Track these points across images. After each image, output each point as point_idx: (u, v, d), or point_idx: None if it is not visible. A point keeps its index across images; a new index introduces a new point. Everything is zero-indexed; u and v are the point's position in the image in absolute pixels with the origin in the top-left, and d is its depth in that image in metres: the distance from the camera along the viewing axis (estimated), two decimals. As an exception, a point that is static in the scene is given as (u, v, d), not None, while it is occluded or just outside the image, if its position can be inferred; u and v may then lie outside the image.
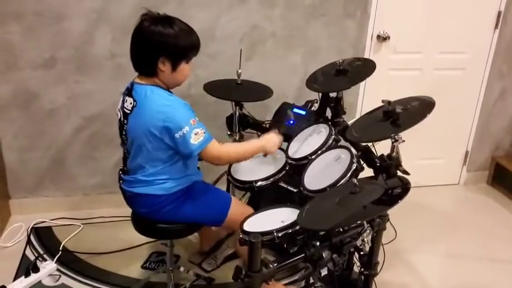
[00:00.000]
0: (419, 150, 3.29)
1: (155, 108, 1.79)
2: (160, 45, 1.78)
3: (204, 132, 1.83)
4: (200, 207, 2.00)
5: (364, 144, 2.05)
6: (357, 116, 3.08)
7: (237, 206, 2.07)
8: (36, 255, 2.53)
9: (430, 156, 3.47)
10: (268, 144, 2.06)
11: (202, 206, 2.01)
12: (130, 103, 1.85)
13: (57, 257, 2.50)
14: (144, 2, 2.52)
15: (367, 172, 1.92)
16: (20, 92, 2.66)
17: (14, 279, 2.31)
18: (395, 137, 1.75)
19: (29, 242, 2.63)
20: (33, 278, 2.29)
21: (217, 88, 2.53)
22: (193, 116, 1.83)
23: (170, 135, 1.80)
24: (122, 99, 1.92)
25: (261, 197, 2.35)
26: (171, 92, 1.93)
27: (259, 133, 2.65)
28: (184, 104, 1.84)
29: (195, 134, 1.79)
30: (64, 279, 2.37)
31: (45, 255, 2.53)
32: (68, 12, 2.58)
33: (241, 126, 2.55)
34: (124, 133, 1.91)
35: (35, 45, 2.59)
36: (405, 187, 1.68)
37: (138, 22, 1.82)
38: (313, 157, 2.02)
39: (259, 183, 2.05)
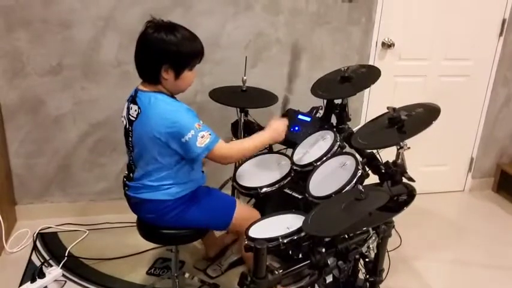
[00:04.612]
0: (424, 157, 3.29)
1: (160, 115, 1.81)
2: (163, 53, 1.80)
3: (210, 134, 1.85)
4: (205, 211, 2.01)
5: (369, 150, 2.05)
6: (362, 123, 3.09)
7: (242, 210, 2.08)
8: (42, 260, 2.54)
9: (435, 163, 3.47)
10: (277, 133, 2.07)
11: (208, 210, 2.02)
12: (135, 110, 1.87)
13: (62, 262, 2.51)
14: (150, 9, 2.54)
15: (373, 179, 1.92)
16: (27, 98, 2.69)
17: (20, 285, 2.32)
18: (401, 143, 1.75)
19: (34, 248, 2.64)
20: (39, 283, 2.30)
21: (222, 95, 2.54)
22: (198, 119, 1.85)
23: (176, 141, 1.81)
24: (126, 106, 1.94)
25: (266, 203, 2.35)
26: (175, 98, 1.94)
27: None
28: (188, 109, 1.86)
29: (201, 137, 1.82)
30: (69, 285, 2.38)
31: (50, 261, 2.54)
32: (75, 20, 2.61)
33: (246, 132, 2.55)
34: (130, 140, 1.93)
35: (42, 52, 2.62)
36: (410, 194, 1.68)
37: (142, 29, 1.84)
38: (318, 163, 2.02)
39: (264, 190, 2.05)
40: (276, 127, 2.08)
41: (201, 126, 1.83)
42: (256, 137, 2.06)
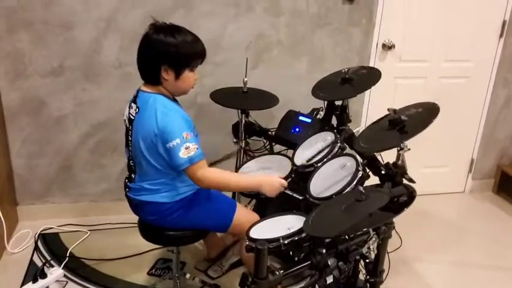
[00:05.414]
0: (424, 158, 3.29)
1: (153, 116, 1.81)
2: (161, 54, 1.81)
3: (197, 148, 1.81)
4: (205, 213, 2.02)
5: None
6: (362, 124, 3.10)
7: (242, 212, 2.08)
8: (44, 261, 2.55)
9: (435, 164, 3.47)
10: (267, 186, 1.94)
11: (208, 212, 2.02)
12: (135, 110, 1.89)
13: (64, 263, 2.52)
14: (152, 11, 2.56)
15: (373, 180, 1.93)
16: (29, 99, 2.69)
17: (22, 285, 2.33)
18: (401, 145, 1.76)
19: (36, 248, 2.65)
20: (41, 284, 2.30)
21: (223, 96, 2.55)
22: (189, 129, 1.82)
23: (162, 145, 1.81)
24: (128, 105, 1.96)
25: (267, 204, 2.35)
26: (176, 101, 1.95)
27: (264, 140, 2.67)
28: (183, 116, 1.85)
29: (186, 148, 1.78)
30: (71, 286, 2.39)
31: (52, 262, 2.54)
32: (76, 21, 2.61)
33: (247, 134, 2.56)
34: (130, 139, 1.94)
35: (44, 53, 2.63)
36: (411, 195, 1.69)
37: (145, 31, 1.85)
38: (319, 165, 2.02)
39: (265, 191, 2.05)
40: (273, 183, 1.94)
41: (190, 137, 1.80)
42: (242, 177, 2.02)
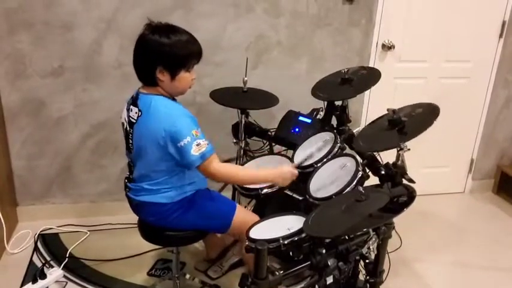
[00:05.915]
0: (424, 159, 3.29)
1: (159, 118, 1.81)
2: (155, 55, 1.80)
3: (207, 144, 1.82)
4: (205, 214, 2.01)
5: (369, 152, 2.06)
6: (362, 124, 3.10)
7: (242, 214, 2.08)
8: (43, 261, 2.55)
9: (435, 164, 3.47)
10: (282, 179, 1.98)
11: (207, 213, 2.02)
12: (136, 112, 1.87)
13: (63, 263, 2.52)
14: (152, 12, 2.56)
15: (373, 180, 1.93)
16: (29, 100, 2.69)
17: (21, 286, 2.33)
18: (401, 145, 1.76)
19: (36, 249, 2.65)
20: (40, 284, 2.30)
21: (223, 96, 2.54)
22: (196, 126, 1.82)
23: (173, 145, 1.80)
24: (126, 107, 1.94)
25: (267, 204, 2.35)
26: (176, 101, 1.94)
27: (264, 141, 2.67)
28: (188, 114, 1.85)
29: (197, 145, 1.79)
30: (70, 286, 2.39)
31: (52, 262, 2.54)
32: (76, 22, 2.61)
33: (247, 134, 2.56)
34: (130, 142, 1.93)
35: (44, 54, 2.63)
36: (410, 195, 1.69)
37: (141, 32, 1.84)
38: (318, 165, 2.03)
39: (265, 191, 2.05)
40: (284, 175, 1.98)
41: (199, 134, 1.81)
42: (255, 172, 2.08)
